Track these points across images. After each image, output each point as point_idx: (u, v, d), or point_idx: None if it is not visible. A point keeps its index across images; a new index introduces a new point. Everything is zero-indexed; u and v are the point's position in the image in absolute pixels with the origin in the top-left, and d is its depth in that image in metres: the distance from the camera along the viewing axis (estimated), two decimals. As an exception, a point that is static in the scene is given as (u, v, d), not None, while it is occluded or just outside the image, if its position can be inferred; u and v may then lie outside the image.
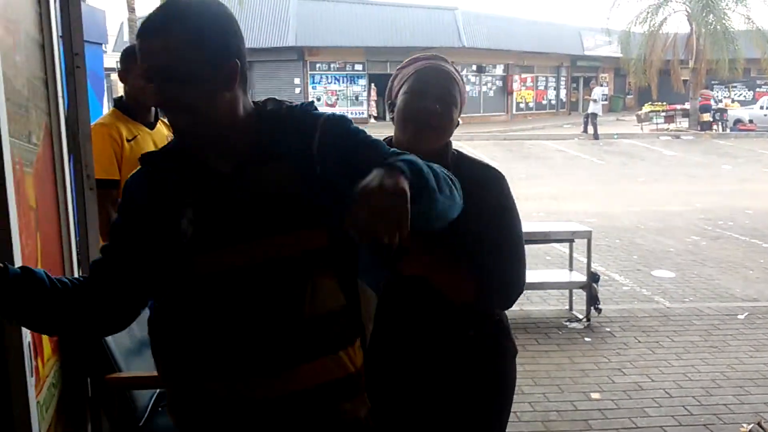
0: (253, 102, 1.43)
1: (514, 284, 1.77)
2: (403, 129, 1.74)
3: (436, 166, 1.33)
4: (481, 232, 1.72)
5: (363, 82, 27.21)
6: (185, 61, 1.28)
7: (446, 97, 1.74)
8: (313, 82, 26.71)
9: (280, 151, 1.37)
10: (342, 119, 1.42)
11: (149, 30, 1.29)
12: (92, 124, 2.53)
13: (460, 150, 1.85)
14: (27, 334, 1.68)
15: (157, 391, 2.50)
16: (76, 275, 2.18)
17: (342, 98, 27.08)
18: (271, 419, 1.38)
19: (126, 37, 20.85)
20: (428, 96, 1.72)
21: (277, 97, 1.48)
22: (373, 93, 26.71)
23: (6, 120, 1.63)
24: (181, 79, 1.28)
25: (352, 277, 1.45)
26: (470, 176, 1.69)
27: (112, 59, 11.96)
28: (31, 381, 1.76)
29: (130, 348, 2.44)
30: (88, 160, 2.37)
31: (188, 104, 1.30)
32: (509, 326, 1.92)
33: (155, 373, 2.11)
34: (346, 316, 1.42)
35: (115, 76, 14.22)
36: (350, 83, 27.26)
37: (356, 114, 26.42)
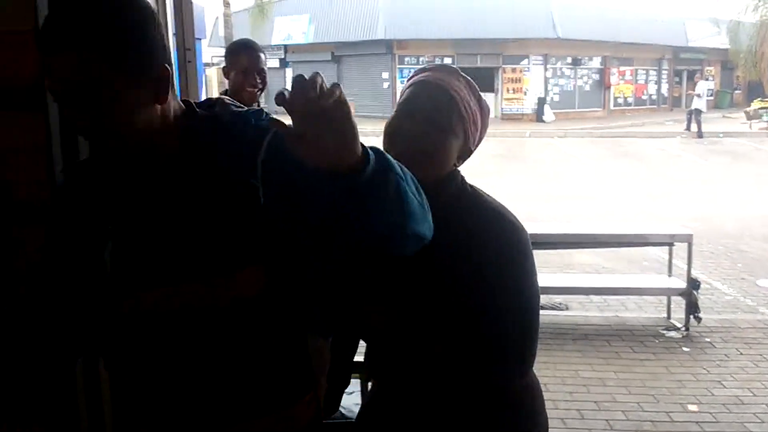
0: (184, 101, 1.24)
1: (515, 354, 1.48)
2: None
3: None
4: (480, 289, 1.45)
5: (452, 75, 27.03)
6: (101, 76, 1.04)
7: (437, 119, 1.45)
8: (402, 76, 26.82)
9: (218, 165, 1.16)
10: None
11: (52, 42, 1.04)
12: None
13: (476, 187, 1.57)
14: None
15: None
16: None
17: (431, 92, 26.98)
18: None
19: (221, 32, 21.62)
20: (414, 116, 1.46)
21: (226, 99, 1.29)
22: (463, 87, 26.51)
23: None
24: (98, 100, 1.05)
25: (298, 326, 1.30)
26: (476, 220, 1.48)
27: (207, 54, 12.44)
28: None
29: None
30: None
31: (110, 127, 1.08)
32: (530, 403, 1.58)
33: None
34: (291, 369, 1.28)
35: (209, 71, 14.80)
36: (439, 77, 27.12)
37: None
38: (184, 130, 1.18)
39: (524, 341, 1.48)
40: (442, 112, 1.47)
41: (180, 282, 1.17)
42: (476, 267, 1.45)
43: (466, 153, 1.54)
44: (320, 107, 0.93)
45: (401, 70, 26.81)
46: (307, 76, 0.93)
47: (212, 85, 12.68)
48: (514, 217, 1.52)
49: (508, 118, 25.68)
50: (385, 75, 26.69)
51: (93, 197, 1.21)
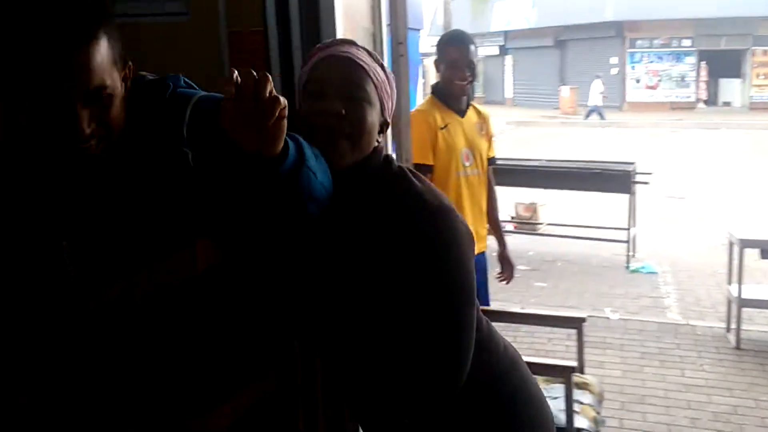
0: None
1: (438, 363, 1.38)
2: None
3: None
4: (396, 283, 1.38)
5: (691, 60, 25.08)
6: (110, 69, 1.12)
7: (353, 91, 1.39)
8: (632, 61, 25.40)
9: (150, 144, 1.21)
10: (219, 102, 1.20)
11: (76, 34, 1.09)
12: (411, 110, 2.78)
13: (405, 168, 1.51)
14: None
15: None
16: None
17: (665, 79, 25.28)
18: None
19: (440, 21, 22.00)
20: (329, 94, 1.39)
21: (143, 73, 1.29)
22: (704, 73, 24.53)
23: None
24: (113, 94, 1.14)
25: (257, 300, 1.35)
26: (396, 205, 1.42)
27: (427, 43, 12.67)
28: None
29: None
30: (407, 146, 2.60)
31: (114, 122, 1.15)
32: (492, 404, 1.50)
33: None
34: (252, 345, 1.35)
35: (428, 61, 15.12)
36: (675, 61, 25.35)
37: (681, 98, 24.59)
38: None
39: (450, 341, 1.38)
40: (356, 83, 1.40)
41: (136, 267, 1.20)
42: (392, 259, 1.38)
43: (384, 125, 1.48)
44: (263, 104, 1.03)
45: (632, 55, 25.42)
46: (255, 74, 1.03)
47: (429, 75, 12.89)
48: (441, 202, 1.43)
49: (758, 107, 23.23)
50: (614, 60, 25.42)
51: (34, 201, 1.21)
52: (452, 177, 3.18)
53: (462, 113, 3.28)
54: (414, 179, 1.46)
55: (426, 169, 3.10)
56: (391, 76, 1.53)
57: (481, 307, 1.56)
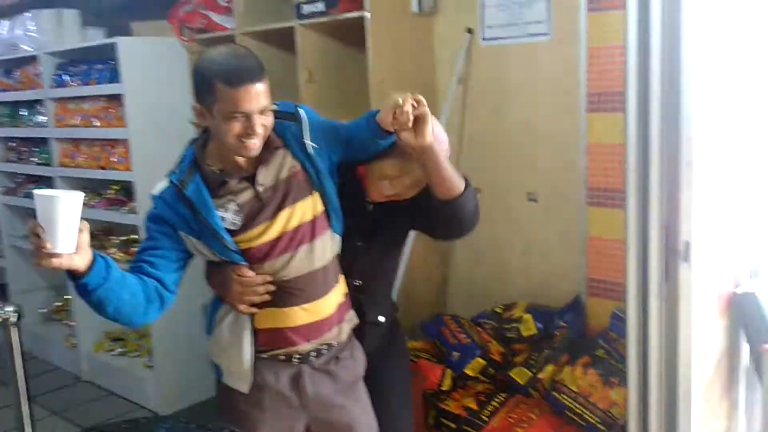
0: None
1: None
2: None
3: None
4: None
5: None
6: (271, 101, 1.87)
7: None
8: None
9: (282, 143, 1.98)
10: (310, 112, 2.03)
11: (251, 77, 1.81)
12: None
13: None
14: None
15: None
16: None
17: None
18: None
19: None
20: None
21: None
22: None
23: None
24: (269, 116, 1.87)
25: (339, 230, 2.06)
26: None
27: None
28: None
29: None
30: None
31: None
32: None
33: None
34: (336, 261, 2.10)
35: None
36: None
37: None
38: (277, 131, 1.98)
39: None
40: None
41: (280, 211, 1.97)
42: None
43: None
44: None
45: None
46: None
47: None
48: None
49: None
50: None
51: (203, 192, 1.95)
52: None
53: None
54: None
55: None
56: None
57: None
